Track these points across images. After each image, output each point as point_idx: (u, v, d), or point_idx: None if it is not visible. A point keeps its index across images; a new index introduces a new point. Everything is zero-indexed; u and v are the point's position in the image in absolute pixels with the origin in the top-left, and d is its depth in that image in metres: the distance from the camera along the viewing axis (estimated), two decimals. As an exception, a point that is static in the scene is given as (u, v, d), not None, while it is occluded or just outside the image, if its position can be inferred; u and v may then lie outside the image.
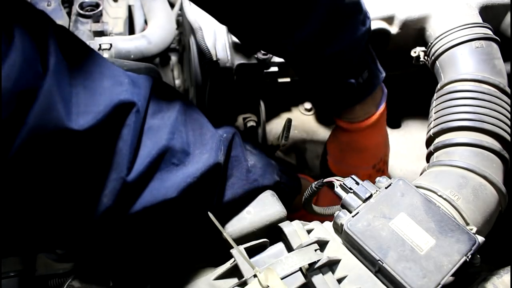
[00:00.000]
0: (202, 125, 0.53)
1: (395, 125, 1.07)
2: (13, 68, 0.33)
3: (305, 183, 0.72)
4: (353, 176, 0.52)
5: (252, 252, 0.48)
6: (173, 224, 0.51)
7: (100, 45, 0.87)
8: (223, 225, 0.53)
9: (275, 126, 1.02)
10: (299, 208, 0.69)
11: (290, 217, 0.55)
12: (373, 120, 0.72)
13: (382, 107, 0.73)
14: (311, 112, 1.06)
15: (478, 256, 0.46)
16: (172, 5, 1.12)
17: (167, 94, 0.51)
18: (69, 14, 1.05)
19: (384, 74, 0.71)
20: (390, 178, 0.53)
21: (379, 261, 0.44)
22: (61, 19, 1.01)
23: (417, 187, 0.52)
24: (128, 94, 0.44)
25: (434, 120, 0.64)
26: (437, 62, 0.69)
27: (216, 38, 0.83)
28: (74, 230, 0.44)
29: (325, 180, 0.54)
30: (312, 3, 0.58)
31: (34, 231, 0.42)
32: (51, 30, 0.40)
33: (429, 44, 0.72)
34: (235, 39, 0.82)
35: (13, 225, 0.40)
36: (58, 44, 0.39)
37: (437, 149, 0.61)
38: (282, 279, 0.43)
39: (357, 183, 0.51)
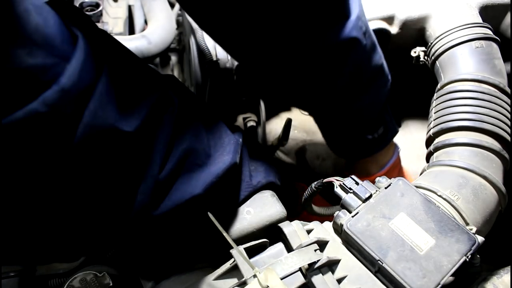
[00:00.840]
0: (221, 128, 0.55)
1: (395, 125, 1.07)
2: (80, 65, 0.35)
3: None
4: (352, 176, 0.52)
5: (252, 252, 0.48)
6: (196, 224, 0.51)
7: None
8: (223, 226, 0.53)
9: (275, 126, 1.02)
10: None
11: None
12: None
13: (386, 169, 0.73)
14: (311, 112, 1.06)
15: (478, 256, 0.46)
16: (172, 5, 1.11)
17: (188, 97, 0.52)
18: (69, 14, 1.05)
19: (398, 130, 0.74)
20: None
21: (378, 261, 0.44)
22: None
23: (417, 187, 0.52)
24: (166, 92, 0.46)
25: (434, 120, 0.64)
26: (437, 62, 0.69)
27: (216, 38, 0.82)
28: (111, 229, 0.45)
29: (325, 180, 0.54)
30: (338, 66, 0.60)
31: (78, 234, 0.43)
32: (100, 34, 0.42)
33: (429, 44, 0.72)
34: (235, 39, 0.82)
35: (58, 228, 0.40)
36: (105, 48, 0.41)
37: (437, 149, 0.61)
38: (282, 279, 0.43)
39: (357, 183, 0.51)
